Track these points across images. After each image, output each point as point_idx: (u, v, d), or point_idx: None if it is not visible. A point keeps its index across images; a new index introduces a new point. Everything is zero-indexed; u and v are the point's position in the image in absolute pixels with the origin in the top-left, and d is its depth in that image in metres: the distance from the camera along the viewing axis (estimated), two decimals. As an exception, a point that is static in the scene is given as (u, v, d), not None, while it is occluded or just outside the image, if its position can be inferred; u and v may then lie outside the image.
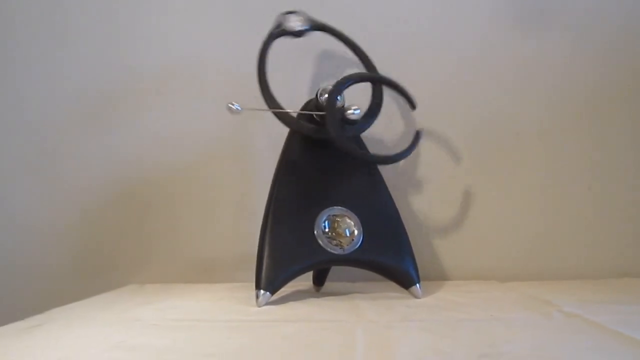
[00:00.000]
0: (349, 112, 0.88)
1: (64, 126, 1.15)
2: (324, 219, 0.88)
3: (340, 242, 0.88)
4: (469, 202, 1.10)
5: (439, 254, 1.09)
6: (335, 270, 0.99)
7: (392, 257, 0.89)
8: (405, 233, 0.92)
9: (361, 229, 0.89)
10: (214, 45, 1.13)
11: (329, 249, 0.87)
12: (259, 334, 0.66)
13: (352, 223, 0.89)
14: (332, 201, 0.89)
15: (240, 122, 1.08)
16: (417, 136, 0.90)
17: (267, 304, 0.84)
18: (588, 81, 1.08)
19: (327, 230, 0.88)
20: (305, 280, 0.99)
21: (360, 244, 0.88)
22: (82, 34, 1.15)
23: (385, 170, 1.06)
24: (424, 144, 1.09)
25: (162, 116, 1.13)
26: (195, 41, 1.13)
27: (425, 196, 1.10)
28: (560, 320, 0.69)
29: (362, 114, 0.90)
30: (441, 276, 1.08)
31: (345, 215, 0.89)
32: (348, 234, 0.88)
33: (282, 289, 0.92)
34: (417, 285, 0.88)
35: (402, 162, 1.10)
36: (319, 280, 0.98)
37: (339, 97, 0.88)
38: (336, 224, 0.89)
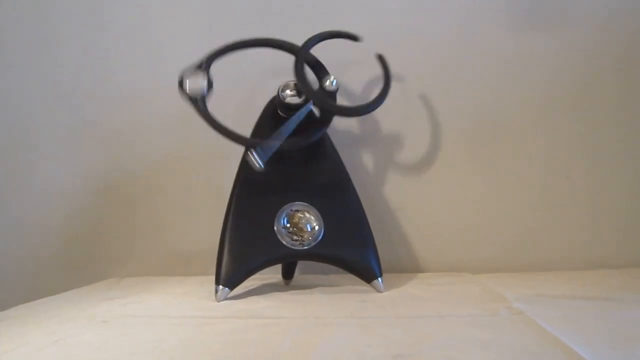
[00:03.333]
0: (327, 83, 0.89)
1: (50, 123, 1.18)
2: (284, 214, 0.89)
3: (302, 236, 0.88)
4: (447, 194, 1.09)
5: (414, 246, 1.09)
6: (309, 263, 0.99)
7: (352, 251, 0.89)
8: (368, 227, 0.92)
9: (322, 223, 0.89)
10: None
11: (287, 244, 0.87)
12: (198, 331, 0.68)
13: (313, 218, 0.89)
14: (294, 196, 0.90)
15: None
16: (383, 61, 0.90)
17: (229, 298, 0.85)
18: (574, 75, 1.07)
19: (287, 225, 0.88)
20: (276, 273, 1.00)
21: (321, 238, 0.88)
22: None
23: (363, 161, 1.06)
24: (405, 135, 1.09)
25: (144, 113, 1.15)
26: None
27: (403, 188, 1.09)
28: (502, 318, 0.69)
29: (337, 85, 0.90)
30: (416, 268, 1.08)
31: (306, 210, 0.90)
32: (309, 229, 0.89)
33: (251, 283, 0.95)
34: (379, 279, 0.89)
35: (381, 152, 1.10)
36: (288, 274, 0.99)
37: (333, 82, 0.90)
38: (297, 219, 0.89)
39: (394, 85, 1.04)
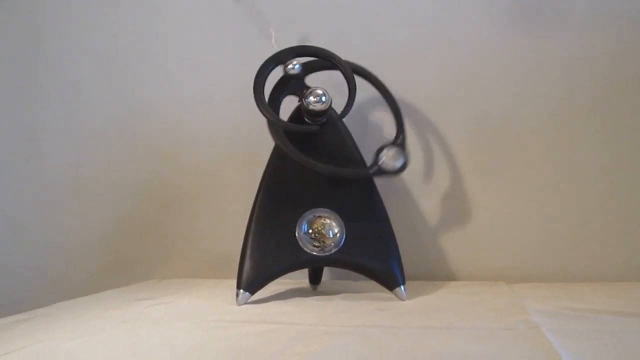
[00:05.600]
0: (312, 102, 0.88)
1: (101, 141, 1.25)
2: (306, 220, 0.89)
3: (324, 242, 0.88)
4: (485, 201, 1.06)
5: (448, 253, 1.06)
6: (341, 269, 0.98)
7: (374, 259, 0.88)
8: (392, 234, 0.90)
9: (344, 229, 0.88)
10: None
11: (308, 250, 0.88)
12: (208, 335, 0.69)
13: (335, 224, 0.89)
14: (317, 203, 0.90)
15: (249, 128, 1.11)
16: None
17: (250, 302, 0.87)
18: (595, 79, 1.02)
19: (309, 231, 0.89)
20: (305, 278, 1.01)
21: (342, 244, 0.88)
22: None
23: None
24: (428, 144, 1.06)
25: (181, 125, 1.20)
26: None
27: (434, 195, 1.07)
28: (514, 332, 0.66)
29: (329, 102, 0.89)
30: (450, 276, 1.05)
31: (328, 216, 0.89)
32: (331, 235, 0.89)
33: (277, 287, 0.96)
34: (401, 287, 0.87)
35: (411, 162, 1.07)
36: (315, 279, 0.99)
37: (324, 97, 0.88)
38: (319, 225, 0.89)
39: (438, 89, 1.03)
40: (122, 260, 1.21)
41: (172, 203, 1.20)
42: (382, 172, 0.86)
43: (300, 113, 0.93)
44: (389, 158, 0.86)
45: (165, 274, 1.18)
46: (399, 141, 0.90)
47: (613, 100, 1.02)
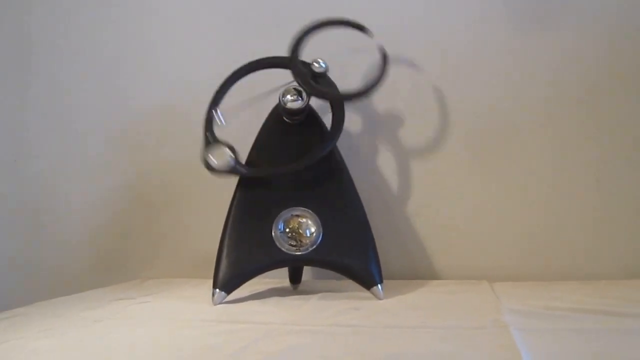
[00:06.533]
0: (315, 65, 0.89)
1: (88, 142, 1.26)
2: (282, 219, 0.88)
3: (301, 241, 0.88)
4: (466, 199, 1.05)
5: (430, 252, 1.05)
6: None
7: (351, 257, 0.87)
8: (370, 233, 0.90)
9: (321, 228, 0.88)
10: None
11: (285, 250, 0.87)
12: (174, 334, 0.69)
13: (311, 223, 0.88)
14: (294, 202, 0.90)
15: (238, 128, 1.10)
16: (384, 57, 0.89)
17: (227, 302, 0.86)
18: (590, 75, 1.01)
19: (286, 230, 0.88)
20: (285, 277, 1.00)
21: (319, 243, 0.87)
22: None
23: (375, 168, 1.04)
24: (421, 139, 1.06)
25: (166, 125, 1.20)
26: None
27: (419, 193, 1.06)
28: (482, 331, 0.65)
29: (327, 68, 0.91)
30: (433, 275, 1.04)
31: (305, 215, 0.89)
32: (308, 234, 0.88)
33: (258, 287, 0.96)
34: (379, 286, 0.86)
35: (392, 158, 1.07)
36: (294, 279, 0.99)
37: (321, 63, 0.90)
38: (296, 224, 0.89)
39: (406, 86, 1.02)
40: (109, 259, 1.21)
41: (157, 202, 1.20)
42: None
43: (278, 112, 0.93)
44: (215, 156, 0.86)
45: (152, 274, 1.18)
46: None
47: (606, 99, 1.01)
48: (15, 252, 1.26)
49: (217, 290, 0.86)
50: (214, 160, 0.85)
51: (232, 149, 0.86)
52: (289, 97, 0.89)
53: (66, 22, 1.27)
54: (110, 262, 1.21)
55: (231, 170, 0.86)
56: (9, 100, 1.30)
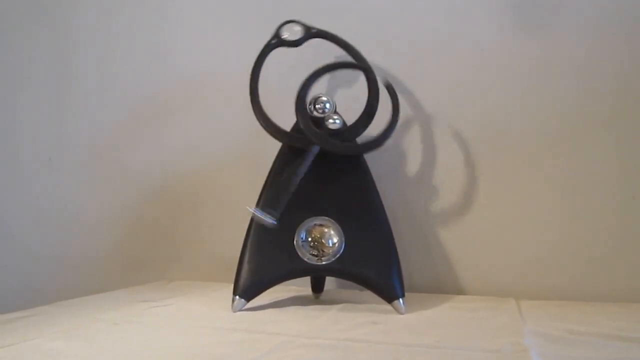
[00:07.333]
0: (330, 121, 0.88)
1: (115, 142, 1.28)
2: (305, 228, 0.88)
3: (323, 251, 0.87)
4: (495, 212, 1.01)
5: (456, 266, 1.02)
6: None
7: (373, 269, 0.86)
8: (394, 245, 0.88)
9: (343, 238, 0.87)
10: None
11: (306, 259, 0.86)
12: (188, 341, 0.70)
13: (334, 233, 0.87)
14: (317, 211, 0.89)
15: (256, 133, 1.11)
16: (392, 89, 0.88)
17: (246, 309, 0.86)
18: (605, 80, 0.96)
19: (308, 239, 0.87)
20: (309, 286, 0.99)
21: (341, 254, 0.86)
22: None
23: (402, 179, 1.02)
24: (449, 151, 1.03)
25: (188, 130, 1.22)
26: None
27: (446, 205, 1.04)
28: (500, 355, 0.63)
29: (342, 123, 0.90)
30: (459, 290, 1.02)
31: (328, 225, 0.88)
32: (330, 244, 0.87)
33: (280, 295, 0.95)
34: (400, 300, 0.85)
35: (420, 170, 1.05)
36: (316, 288, 0.98)
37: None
38: (319, 234, 0.88)
39: (446, 94, 1.00)
40: (136, 259, 1.23)
41: (185, 205, 1.21)
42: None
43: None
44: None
45: (177, 275, 1.19)
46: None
47: (625, 104, 0.96)
48: (42, 250, 1.30)
49: (237, 297, 0.86)
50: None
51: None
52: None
53: (102, 24, 1.30)
54: (137, 262, 1.23)
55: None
56: (44, 99, 1.34)
